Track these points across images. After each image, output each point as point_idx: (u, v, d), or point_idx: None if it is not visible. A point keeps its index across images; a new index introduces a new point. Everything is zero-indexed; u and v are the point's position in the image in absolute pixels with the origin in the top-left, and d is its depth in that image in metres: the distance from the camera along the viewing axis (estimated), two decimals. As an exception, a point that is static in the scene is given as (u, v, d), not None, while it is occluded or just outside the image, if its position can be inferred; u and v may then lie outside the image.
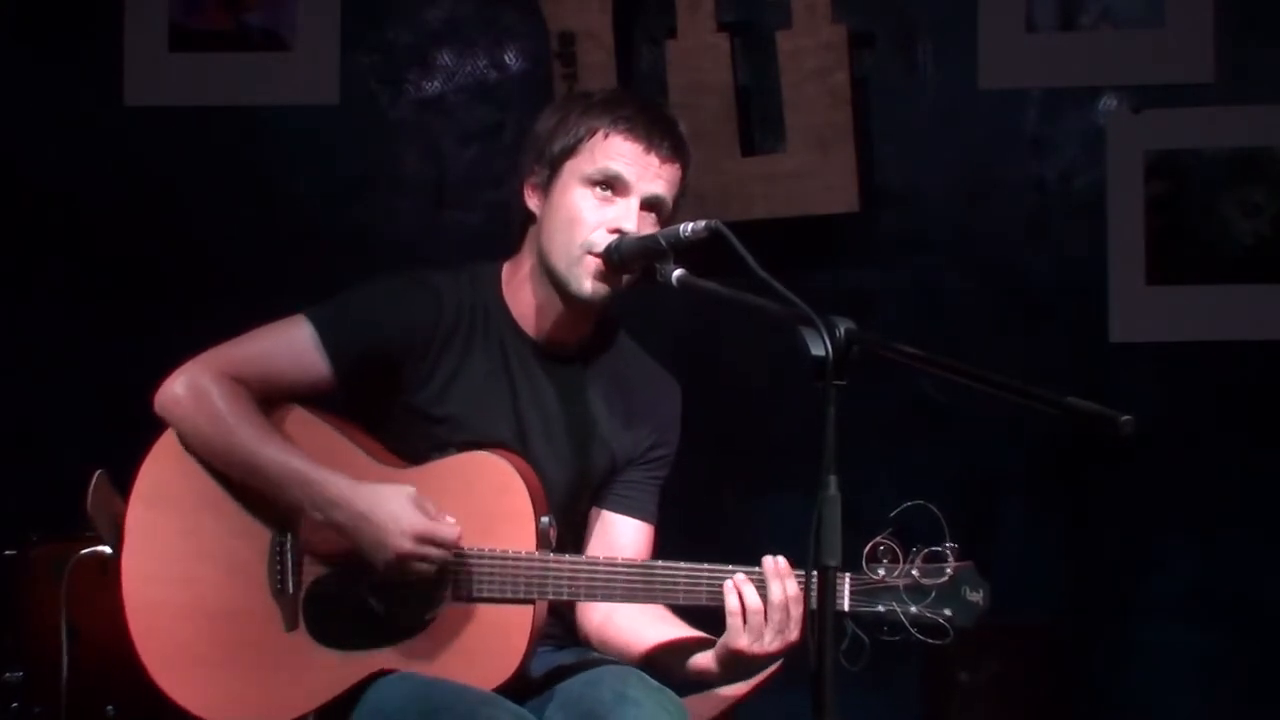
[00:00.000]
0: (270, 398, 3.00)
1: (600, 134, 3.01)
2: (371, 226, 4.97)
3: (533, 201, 3.07)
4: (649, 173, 3.00)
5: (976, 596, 2.88)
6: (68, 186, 4.98)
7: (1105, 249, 4.76)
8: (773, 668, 3.07)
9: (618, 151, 3.00)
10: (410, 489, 2.91)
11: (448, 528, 2.89)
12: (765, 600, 2.86)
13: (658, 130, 3.02)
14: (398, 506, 2.88)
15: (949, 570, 2.88)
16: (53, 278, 4.97)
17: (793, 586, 2.87)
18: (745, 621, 2.87)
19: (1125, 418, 2.43)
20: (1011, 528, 4.75)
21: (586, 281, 2.99)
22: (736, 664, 2.93)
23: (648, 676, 2.95)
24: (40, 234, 4.98)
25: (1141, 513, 4.74)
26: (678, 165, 3.04)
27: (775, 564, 2.88)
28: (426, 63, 5.00)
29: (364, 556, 2.91)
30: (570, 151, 3.02)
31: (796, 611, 2.87)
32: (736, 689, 3.10)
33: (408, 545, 2.87)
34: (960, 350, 2.86)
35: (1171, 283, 4.75)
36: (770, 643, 2.87)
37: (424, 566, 2.89)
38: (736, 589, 2.88)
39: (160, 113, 4.98)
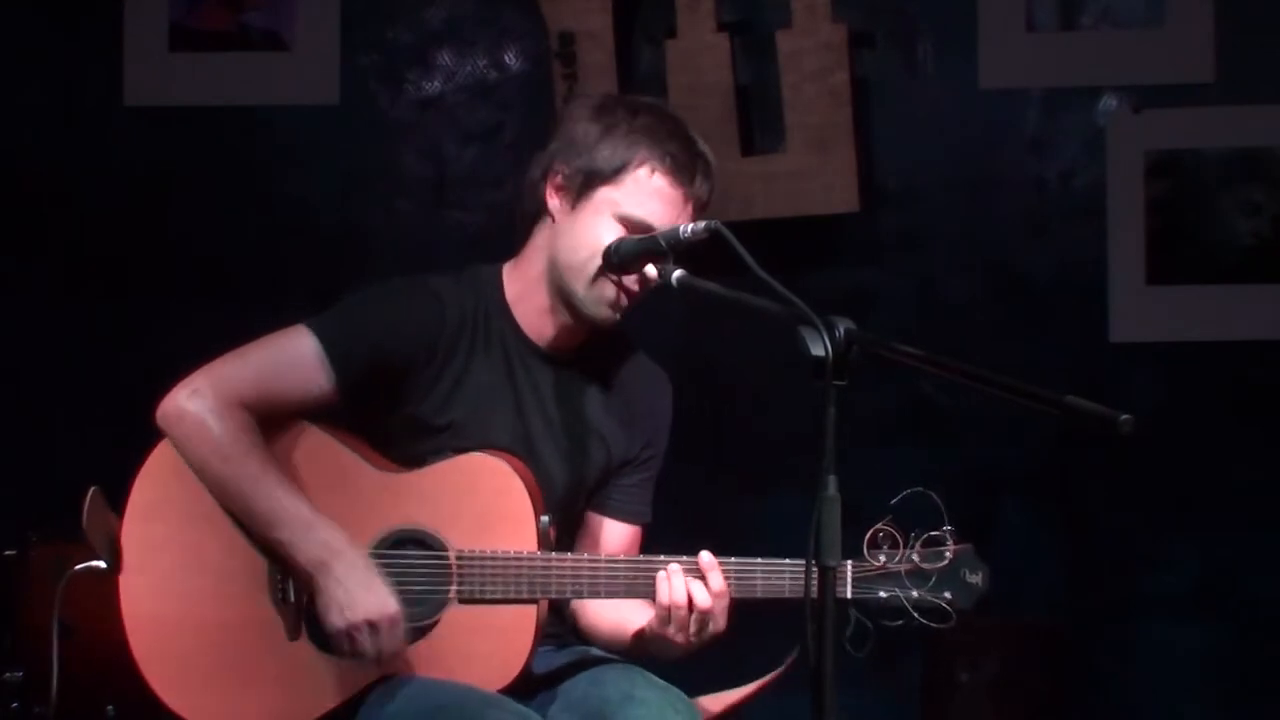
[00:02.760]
0: (274, 415, 2.98)
1: (646, 169, 2.97)
2: (371, 226, 4.97)
3: (554, 202, 3.04)
4: (677, 211, 2.99)
5: (976, 578, 2.91)
6: (67, 186, 4.98)
7: (1105, 249, 4.76)
8: (781, 669, 3.08)
9: (659, 195, 2.97)
10: (391, 599, 2.90)
11: (399, 635, 2.89)
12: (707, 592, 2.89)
13: (700, 174, 3.01)
14: (384, 589, 2.89)
15: (948, 554, 2.91)
16: (52, 277, 4.96)
17: (718, 582, 2.89)
18: (670, 614, 2.89)
19: (1125, 417, 2.43)
20: (1011, 527, 4.75)
21: (602, 309, 3.00)
22: (666, 649, 2.95)
23: (653, 675, 2.96)
24: (40, 234, 4.98)
25: (1141, 512, 4.74)
26: (705, 205, 3.03)
27: (700, 560, 2.91)
28: (426, 63, 5.00)
29: (319, 607, 2.90)
30: (610, 177, 2.98)
31: (720, 605, 2.90)
32: (742, 690, 3.12)
33: (376, 620, 2.87)
34: (960, 350, 2.86)
35: (1171, 283, 4.75)
36: (695, 633, 2.90)
37: (366, 647, 2.88)
38: (668, 580, 2.89)
39: (160, 113, 4.98)
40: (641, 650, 3.02)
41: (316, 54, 4.97)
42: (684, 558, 2.93)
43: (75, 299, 4.94)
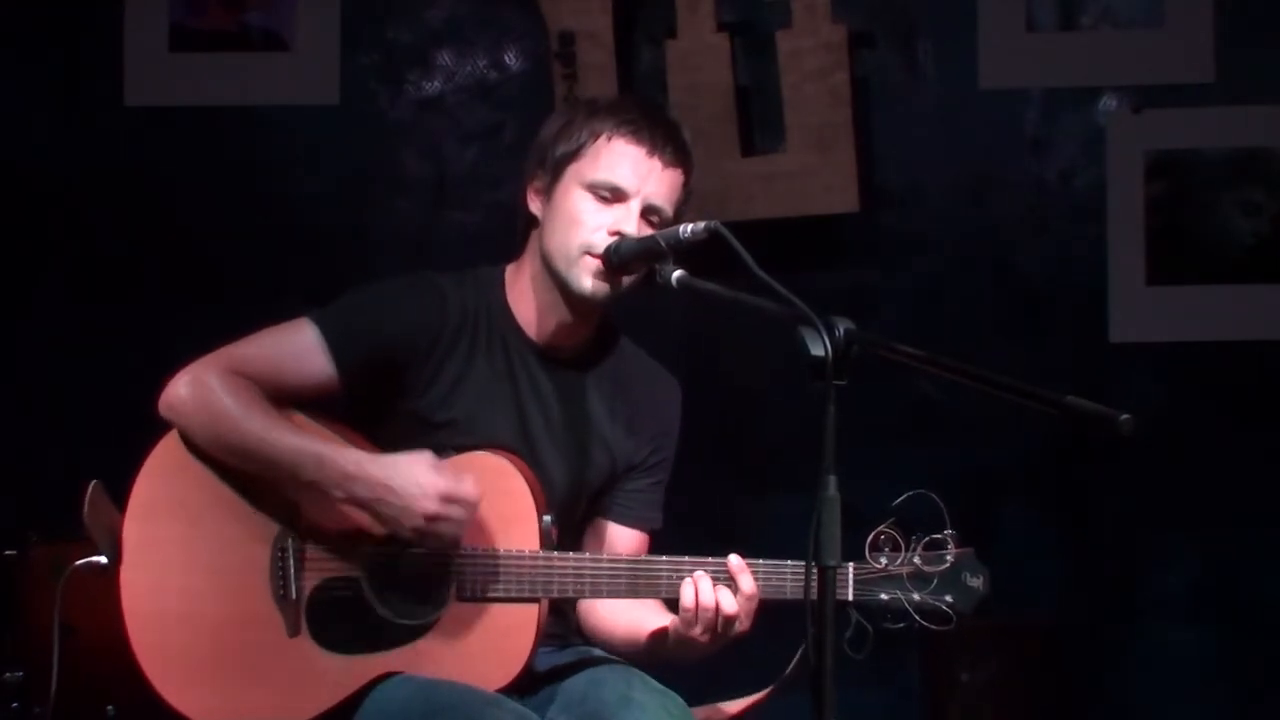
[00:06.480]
0: (274, 401, 2.98)
1: (604, 137, 3.02)
2: (371, 226, 4.97)
3: (535, 205, 3.08)
4: (651, 177, 3.01)
5: (977, 582, 2.92)
6: (68, 186, 4.98)
7: (1105, 249, 4.77)
8: (787, 672, 3.09)
9: (620, 155, 3.01)
10: (427, 453, 2.91)
11: (469, 487, 2.89)
12: (735, 592, 2.90)
13: (660, 134, 3.03)
14: (419, 471, 2.89)
15: (949, 557, 2.92)
16: (53, 277, 4.97)
17: (748, 584, 2.90)
18: (697, 617, 2.89)
19: (1125, 417, 2.44)
20: (1011, 528, 4.75)
21: (586, 279, 3.00)
22: (687, 652, 2.95)
23: (650, 678, 2.96)
24: (40, 234, 4.98)
25: (1142, 513, 4.74)
26: (680, 171, 3.04)
27: (729, 563, 2.91)
28: (426, 63, 5.00)
29: (387, 526, 2.90)
30: (573, 155, 3.03)
31: (748, 608, 2.91)
32: (732, 706, 3.13)
33: (433, 507, 2.87)
34: (960, 350, 2.86)
35: (1171, 283, 4.76)
36: (720, 634, 2.90)
37: (449, 528, 2.89)
38: (694, 585, 2.90)
39: (160, 113, 4.98)
40: (659, 653, 3.02)
41: (316, 54, 4.98)
42: (685, 558, 2.93)
43: (74, 299, 4.94)
